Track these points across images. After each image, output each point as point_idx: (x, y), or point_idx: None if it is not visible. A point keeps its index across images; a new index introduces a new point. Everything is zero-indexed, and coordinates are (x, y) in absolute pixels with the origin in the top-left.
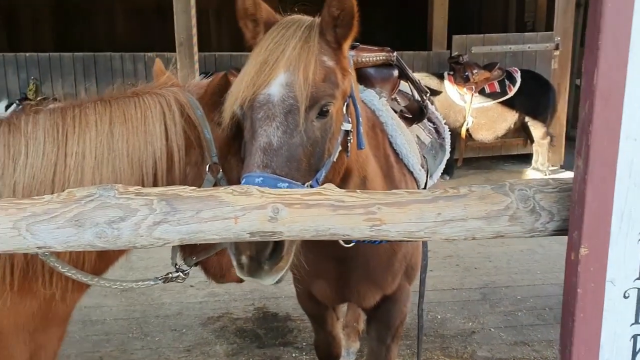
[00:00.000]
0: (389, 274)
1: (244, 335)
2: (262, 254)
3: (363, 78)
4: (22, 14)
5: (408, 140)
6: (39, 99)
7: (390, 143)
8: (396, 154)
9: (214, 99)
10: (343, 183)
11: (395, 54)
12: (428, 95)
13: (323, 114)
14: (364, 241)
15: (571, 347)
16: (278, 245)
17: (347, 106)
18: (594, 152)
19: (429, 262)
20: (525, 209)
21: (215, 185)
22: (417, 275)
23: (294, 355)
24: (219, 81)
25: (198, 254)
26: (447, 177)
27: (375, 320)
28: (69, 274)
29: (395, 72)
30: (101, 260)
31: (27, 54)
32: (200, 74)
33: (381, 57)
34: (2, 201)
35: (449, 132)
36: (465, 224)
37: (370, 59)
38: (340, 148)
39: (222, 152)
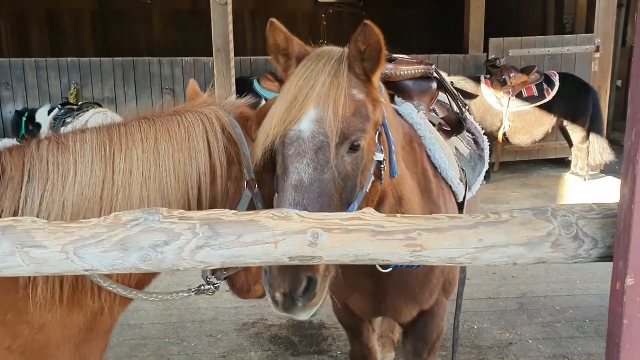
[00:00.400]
0: (426, 289)
1: (278, 343)
2: (296, 291)
3: (401, 91)
4: (63, 19)
5: (446, 153)
6: (80, 103)
7: (429, 157)
8: (434, 168)
9: (261, 119)
10: (378, 206)
11: (434, 66)
12: (467, 107)
13: (354, 148)
14: (401, 266)
15: None
16: (311, 282)
17: (379, 135)
18: None
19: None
20: (568, 236)
21: (252, 200)
22: (456, 290)
23: None
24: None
25: (228, 269)
26: (484, 182)
27: (412, 334)
28: (111, 289)
29: (434, 85)
30: (146, 274)
31: (69, 59)
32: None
33: (420, 70)
34: (52, 225)
35: (487, 137)
36: (507, 251)
37: (409, 72)
38: (373, 178)
39: (257, 168)
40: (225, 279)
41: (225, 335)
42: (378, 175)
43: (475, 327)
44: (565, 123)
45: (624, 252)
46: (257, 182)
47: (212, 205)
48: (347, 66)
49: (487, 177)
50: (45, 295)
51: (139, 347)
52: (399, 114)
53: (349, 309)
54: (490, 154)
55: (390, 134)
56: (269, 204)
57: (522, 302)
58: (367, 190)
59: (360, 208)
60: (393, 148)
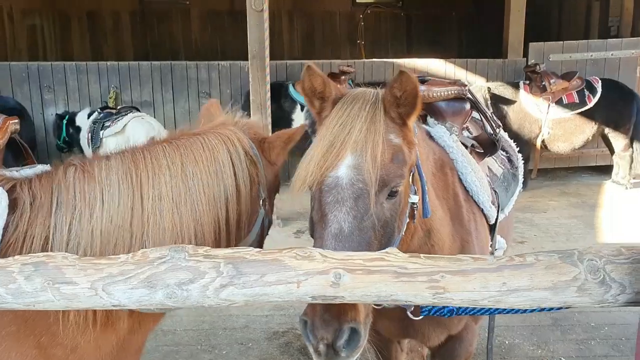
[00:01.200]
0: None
1: (308, 353)
2: (339, 342)
3: (434, 112)
4: (103, 22)
5: (478, 177)
6: (118, 107)
7: (460, 180)
8: (466, 191)
9: (277, 143)
10: (405, 245)
11: (467, 87)
12: (500, 128)
13: (393, 194)
14: (429, 312)
15: None
16: (354, 332)
17: (412, 175)
18: None
19: None
20: (595, 281)
21: (263, 217)
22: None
23: None
24: (297, 133)
25: None
26: (521, 189)
27: (439, 357)
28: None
29: (467, 106)
30: None
31: (109, 63)
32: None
33: (453, 91)
34: (82, 261)
35: (524, 143)
36: (531, 294)
37: (442, 93)
38: (407, 220)
39: (268, 187)
40: None
41: (255, 344)
42: (411, 216)
43: (507, 342)
44: (607, 130)
45: None
46: (268, 201)
47: (237, 225)
48: (382, 110)
49: (525, 185)
50: (77, 320)
51: (172, 354)
52: (430, 137)
53: (376, 331)
54: (528, 161)
55: (423, 174)
56: (271, 218)
57: (555, 317)
58: (404, 233)
59: (404, 238)
60: (426, 188)
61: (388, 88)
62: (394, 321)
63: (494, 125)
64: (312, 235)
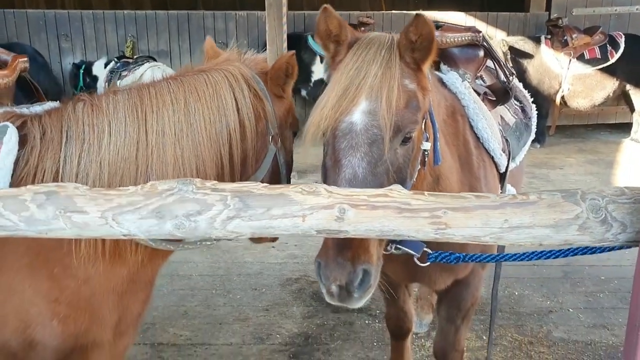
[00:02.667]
0: None
1: (319, 299)
2: (353, 283)
3: (447, 58)
4: None
5: (490, 124)
6: (135, 57)
7: (471, 127)
8: (477, 139)
9: (278, 74)
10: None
11: (481, 34)
12: (514, 76)
13: (406, 140)
14: (436, 259)
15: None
16: (366, 274)
17: (424, 122)
18: None
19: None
20: (596, 219)
21: (275, 154)
22: None
23: (367, 322)
24: (289, 59)
25: None
26: (538, 145)
27: (446, 301)
28: (155, 245)
29: (481, 53)
30: None
31: (126, 12)
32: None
33: (467, 38)
34: (92, 191)
35: (543, 99)
36: (532, 232)
37: (455, 39)
38: (419, 167)
39: (280, 123)
40: None
41: (269, 289)
42: (422, 163)
43: (516, 293)
44: (628, 87)
45: None
46: (281, 137)
47: (243, 160)
48: (398, 55)
49: (542, 141)
50: (88, 251)
51: (187, 297)
52: (443, 83)
53: (385, 274)
54: (547, 117)
55: (435, 121)
56: (289, 158)
57: (566, 270)
58: (415, 180)
59: (415, 183)
60: (437, 135)
61: (404, 32)
62: (402, 265)
63: (508, 73)
64: (323, 182)
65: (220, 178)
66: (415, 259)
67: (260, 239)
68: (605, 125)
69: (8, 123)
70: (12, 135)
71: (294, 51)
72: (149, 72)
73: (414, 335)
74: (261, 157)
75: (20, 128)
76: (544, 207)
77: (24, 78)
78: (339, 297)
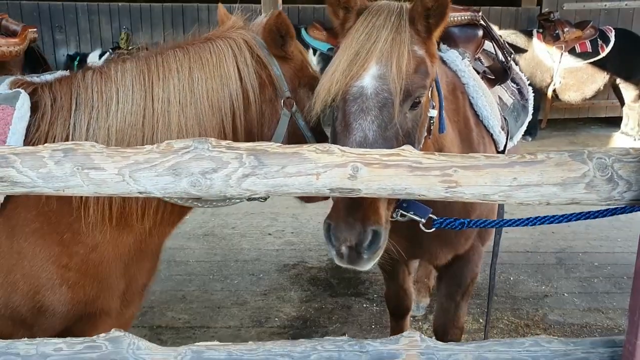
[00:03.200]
0: (462, 234)
1: (317, 284)
2: (362, 244)
3: (446, 37)
4: None
5: (489, 102)
6: (130, 48)
7: (471, 104)
8: (476, 116)
9: (272, 37)
10: None
11: (480, 13)
12: (512, 56)
13: (415, 105)
14: (441, 225)
15: None
16: (376, 235)
17: (431, 90)
18: None
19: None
20: (603, 178)
21: (291, 118)
22: (492, 237)
23: (364, 305)
24: (276, 19)
25: None
26: (530, 139)
27: (446, 277)
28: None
29: (480, 32)
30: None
31: (120, 4)
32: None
33: (466, 17)
34: (109, 149)
35: (535, 92)
36: (540, 190)
37: (455, 18)
38: (426, 134)
39: (292, 85)
40: None
41: (266, 275)
42: (428, 130)
43: (512, 279)
44: (618, 81)
45: None
46: (297, 99)
47: (248, 130)
48: (407, 21)
49: (534, 134)
50: (96, 216)
51: (185, 282)
52: (443, 61)
53: (386, 251)
54: (538, 110)
55: (441, 90)
56: (310, 120)
57: (560, 256)
58: (421, 147)
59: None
60: (443, 103)
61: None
62: (403, 239)
63: (506, 53)
64: None
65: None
66: (421, 225)
67: (311, 198)
68: (595, 119)
69: (20, 89)
70: (24, 101)
71: (279, 10)
72: None
73: (411, 318)
74: (273, 123)
75: (31, 95)
76: (552, 166)
77: (32, 49)
78: (348, 258)
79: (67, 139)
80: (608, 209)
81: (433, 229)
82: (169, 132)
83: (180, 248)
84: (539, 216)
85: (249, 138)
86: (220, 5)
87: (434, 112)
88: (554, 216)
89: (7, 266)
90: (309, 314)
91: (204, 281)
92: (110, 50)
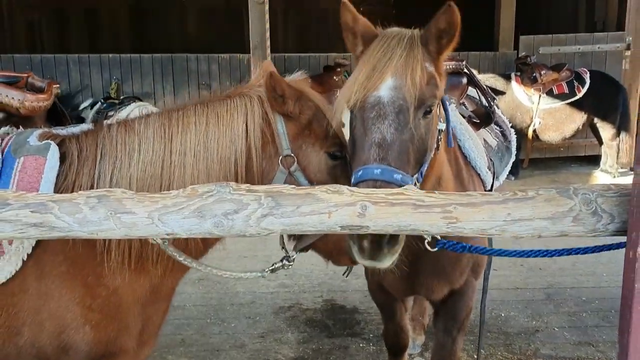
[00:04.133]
0: (457, 269)
1: (313, 325)
2: (383, 238)
3: None
4: (101, 17)
5: (475, 144)
6: (121, 97)
7: (459, 147)
8: (464, 157)
9: (272, 95)
10: (424, 183)
11: (464, 62)
12: (495, 101)
13: (427, 113)
14: (444, 246)
15: (628, 337)
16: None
17: (439, 107)
18: None
19: (494, 261)
20: (588, 211)
21: (287, 176)
22: (483, 272)
23: (361, 345)
24: (269, 81)
25: (300, 240)
26: (513, 178)
27: (442, 312)
28: (186, 262)
29: (464, 80)
30: (204, 244)
31: (110, 55)
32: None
33: (451, 66)
34: (139, 195)
35: (516, 133)
36: (532, 224)
37: None
38: (435, 145)
39: (295, 143)
40: (302, 250)
41: (262, 317)
42: (437, 144)
43: (503, 315)
44: (596, 120)
45: (636, 224)
46: (297, 157)
47: (249, 182)
48: (419, 42)
49: (516, 174)
50: (117, 260)
51: (183, 326)
52: None
53: (383, 288)
54: (520, 151)
55: (447, 106)
56: (318, 177)
57: (548, 292)
58: (432, 156)
59: (426, 173)
60: (450, 118)
61: (434, 21)
62: (400, 275)
63: (489, 98)
64: (350, 155)
65: None
66: (425, 243)
67: (340, 258)
68: (576, 158)
69: (50, 141)
70: (54, 152)
71: (270, 71)
72: (136, 110)
73: (408, 356)
74: (270, 178)
75: (59, 146)
76: (542, 202)
77: (54, 102)
78: (370, 252)
79: (91, 188)
80: (597, 245)
81: (436, 249)
82: (183, 183)
83: (177, 293)
84: (533, 249)
85: None
86: (268, 61)
87: (442, 125)
88: (547, 250)
89: (35, 307)
90: (306, 355)
91: (201, 325)
92: (102, 101)
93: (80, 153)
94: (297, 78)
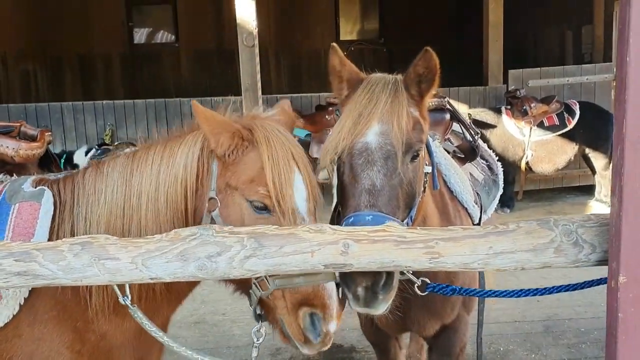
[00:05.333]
0: (447, 304)
1: None
2: (377, 284)
3: None
4: (94, 65)
5: (461, 179)
6: (115, 143)
7: (445, 182)
8: (450, 192)
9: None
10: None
11: (447, 98)
12: (479, 135)
13: (415, 157)
14: (434, 289)
15: None
16: (389, 276)
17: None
18: (626, 192)
19: None
20: (569, 242)
21: (211, 221)
22: (475, 306)
23: None
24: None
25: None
26: (508, 211)
27: (436, 348)
28: (149, 330)
29: (447, 116)
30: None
31: (104, 102)
32: None
33: (433, 103)
34: (122, 240)
35: (509, 166)
36: (514, 256)
37: None
38: (422, 188)
39: (222, 185)
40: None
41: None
42: (424, 187)
43: (501, 349)
44: (587, 150)
45: (616, 254)
46: (222, 201)
47: (191, 219)
48: (403, 88)
49: (511, 206)
50: (98, 302)
51: None
52: None
53: (376, 326)
54: (514, 183)
55: (432, 150)
56: (234, 225)
57: (547, 324)
58: (420, 199)
59: (414, 216)
60: (435, 162)
61: (412, 66)
62: (390, 311)
63: (473, 133)
64: (339, 201)
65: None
66: (415, 287)
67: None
68: (570, 188)
69: (44, 187)
70: (48, 197)
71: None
72: None
73: None
74: (198, 219)
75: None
76: (523, 234)
77: (47, 149)
78: (364, 300)
79: (72, 234)
80: (593, 279)
81: (426, 292)
82: (139, 224)
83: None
84: (523, 288)
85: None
86: (194, 102)
87: (428, 169)
88: (537, 289)
89: (29, 352)
90: None
91: None
92: (97, 147)
93: (60, 199)
94: (278, 110)
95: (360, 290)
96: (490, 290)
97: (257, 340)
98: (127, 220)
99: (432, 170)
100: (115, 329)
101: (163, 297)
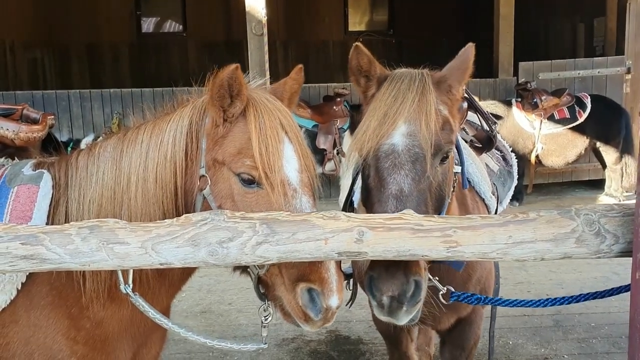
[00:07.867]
0: None
1: (318, 357)
2: (405, 295)
3: None
4: (102, 54)
5: (479, 169)
6: None
7: (462, 171)
8: (468, 182)
9: (220, 94)
10: None
11: (464, 87)
12: (496, 125)
13: (444, 159)
14: (458, 298)
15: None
16: (417, 286)
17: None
18: None
19: (501, 288)
20: (591, 232)
21: (204, 201)
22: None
23: None
24: (230, 74)
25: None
26: (517, 204)
27: (449, 341)
28: (153, 317)
29: (464, 104)
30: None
31: (112, 90)
32: None
33: None
34: (132, 224)
35: (519, 159)
36: (535, 246)
37: None
38: (451, 190)
39: (210, 161)
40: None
41: (266, 350)
42: (453, 186)
43: (510, 343)
44: (598, 144)
45: None
46: (212, 179)
47: (181, 201)
48: (430, 85)
49: (520, 199)
50: (92, 288)
51: None
52: None
53: None
54: (523, 176)
55: (462, 148)
56: (225, 205)
57: (557, 318)
58: (449, 201)
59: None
60: (464, 159)
61: (450, 63)
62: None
63: (490, 123)
64: (364, 204)
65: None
66: (440, 295)
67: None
68: (580, 182)
69: (43, 170)
70: (47, 180)
71: (237, 64)
72: None
73: None
74: (190, 200)
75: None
76: (544, 223)
77: (49, 133)
78: (389, 309)
79: (66, 216)
80: (613, 288)
81: (451, 301)
82: (129, 207)
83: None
84: (549, 297)
85: (185, 209)
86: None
87: (458, 168)
88: (563, 298)
89: (25, 338)
90: None
91: (204, 358)
92: (104, 135)
93: (58, 181)
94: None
95: (385, 300)
96: (516, 300)
97: (265, 320)
98: (117, 203)
99: (462, 169)
100: (112, 317)
101: (155, 282)
